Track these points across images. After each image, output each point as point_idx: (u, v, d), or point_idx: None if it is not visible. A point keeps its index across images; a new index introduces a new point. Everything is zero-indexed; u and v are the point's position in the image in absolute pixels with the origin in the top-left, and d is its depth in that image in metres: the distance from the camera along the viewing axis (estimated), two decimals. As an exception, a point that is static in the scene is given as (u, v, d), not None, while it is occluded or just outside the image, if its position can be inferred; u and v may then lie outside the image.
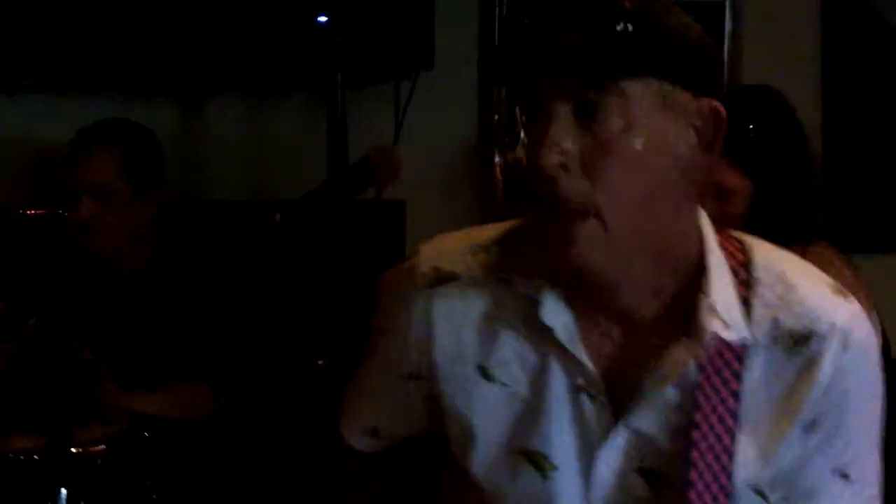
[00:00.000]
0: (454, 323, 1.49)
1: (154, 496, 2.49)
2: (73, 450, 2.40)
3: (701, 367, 1.40)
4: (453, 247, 1.54)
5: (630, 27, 1.32)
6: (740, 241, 1.48)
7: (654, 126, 1.35)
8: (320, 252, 2.91)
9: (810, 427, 1.42)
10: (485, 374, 1.49)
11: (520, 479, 1.48)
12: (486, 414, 1.49)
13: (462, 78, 3.36)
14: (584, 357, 1.43)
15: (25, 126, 3.32)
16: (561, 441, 1.46)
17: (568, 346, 1.43)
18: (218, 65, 3.06)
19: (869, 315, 2.46)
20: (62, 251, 2.91)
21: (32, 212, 3.24)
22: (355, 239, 3.01)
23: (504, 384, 1.48)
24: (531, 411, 1.47)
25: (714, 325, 1.39)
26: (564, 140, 1.35)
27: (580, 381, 1.44)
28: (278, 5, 2.92)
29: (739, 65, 3.37)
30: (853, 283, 2.38)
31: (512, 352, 1.47)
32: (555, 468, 1.46)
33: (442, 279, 1.51)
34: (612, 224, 1.36)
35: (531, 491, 1.47)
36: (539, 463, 1.46)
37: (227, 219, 3.24)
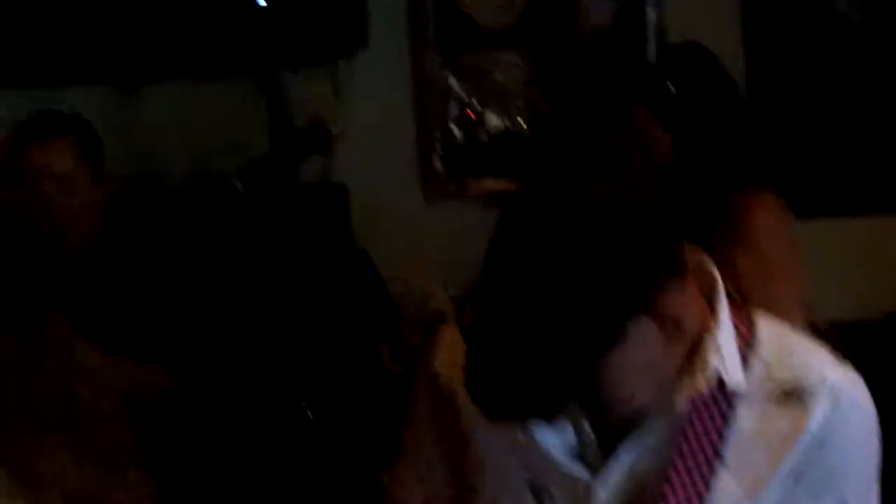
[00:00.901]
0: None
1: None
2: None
3: (693, 407, 1.44)
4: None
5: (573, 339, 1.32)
6: (748, 313, 1.51)
7: (635, 356, 1.37)
8: (268, 233, 2.90)
9: (798, 477, 1.44)
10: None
11: None
12: (491, 452, 1.54)
13: (397, 55, 3.37)
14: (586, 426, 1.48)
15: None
16: (558, 479, 1.49)
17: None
18: (156, 49, 3.06)
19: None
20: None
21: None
22: (300, 222, 3.01)
23: (504, 433, 1.51)
24: (532, 452, 1.50)
25: (717, 362, 1.42)
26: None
27: (577, 439, 1.49)
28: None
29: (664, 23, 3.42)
30: (791, 230, 2.48)
31: None
32: (553, 501, 1.51)
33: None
34: (625, 414, 1.43)
35: None
36: (541, 495, 1.51)
37: (172, 202, 3.22)
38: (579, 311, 1.31)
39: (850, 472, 1.46)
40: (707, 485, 1.43)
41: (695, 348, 1.42)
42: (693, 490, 1.43)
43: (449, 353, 1.58)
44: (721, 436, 1.43)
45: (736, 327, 1.46)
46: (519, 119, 3.43)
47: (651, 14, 3.40)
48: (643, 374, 1.39)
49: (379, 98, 3.31)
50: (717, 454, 1.43)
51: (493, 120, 3.42)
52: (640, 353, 1.37)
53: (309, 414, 2.87)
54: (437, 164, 3.43)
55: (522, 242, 1.35)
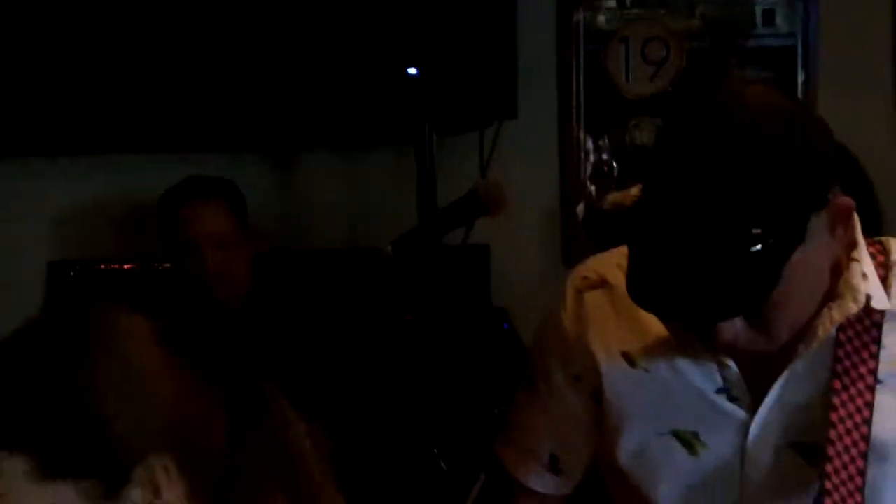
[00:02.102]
0: (603, 317, 1.58)
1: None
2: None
3: (841, 332, 1.45)
4: (604, 261, 1.62)
5: (764, 237, 1.30)
6: (879, 241, 1.53)
7: (811, 260, 1.37)
8: (413, 293, 2.97)
9: None
10: (630, 360, 1.56)
11: (671, 460, 1.53)
12: (633, 398, 1.55)
13: (544, 126, 3.44)
14: (729, 361, 1.49)
15: (116, 185, 3.38)
16: (710, 419, 1.51)
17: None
18: (309, 119, 3.11)
19: None
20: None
21: (126, 266, 3.31)
22: (442, 282, 3.08)
23: (646, 370, 1.54)
24: (677, 394, 1.52)
25: (866, 288, 1.43)
26: (731, 335, 1.39)
27: (723, 377, 1.50)
28: (369, 57, 2.97)
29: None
30: None
31: (655, 341, 1.53)
32: (705, 447, 1.51)
33: (590, 286, 1.61)
34: (781, 335, 1.42)
35: (684, 471, 1.52)
36: (689, 442, 1.52)
37: (321, 267, 3.30)
38: (769, 206, 1.30)
39: None
40: (870, 406, 1.44)
41: (838, 274, 1.44)
42: (858, 413, 1.44)
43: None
44: (874, 356, 1.45)
45: (871, 254, 1.49)
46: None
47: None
48: (812, 286, 1.40)
49: (525, 166, 3.37)
50: (874, 374, 1.45)
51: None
52: (815, 258, 1.37)
53: (442, 465, 2.92)
54: (577, 225, 3.48)
55: (699, 141, 1.33)
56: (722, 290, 1.30)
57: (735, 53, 3.41)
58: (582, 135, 3.45)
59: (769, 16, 3.41)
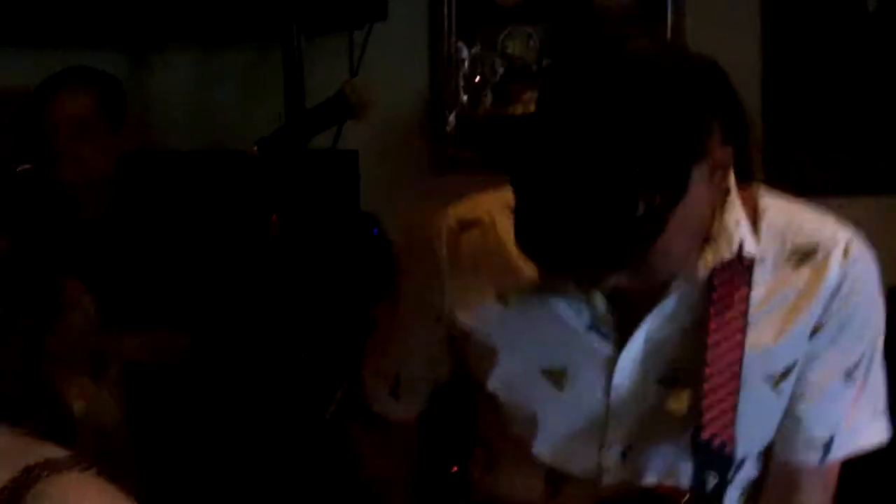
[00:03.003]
0: (476, 258, 1.60)
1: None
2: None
3: (715, 274, 1.50)
4: (479, 202, 1.64)
5: (649, 193, 1.32)
6: (749, 187, 1.58)
7: (692, 209, 1.41)
8: (280, 196, 2.94)
9: (817, 328, 1.54)
10: (503, 300, 1.58)
11: (540, 397, 1.57)
12: (505, 337, 1.58)
13: (414, 29, 3.40)
14: (599, 299, 1.52)
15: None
16: (578, 356, 1.55)
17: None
18: (169, 15, 3.02)
19: None
20: (24, 189, 2.91)
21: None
22: (310, 186, 3.05)
23: (520, 310, 1.57)
24: (548, 333, 1.56)
25: (739, 234, 1.49)
26: (613, 280, 1.43)
27: (591, 314, 1.54)
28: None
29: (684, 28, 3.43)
30: None
31: (527, 281, 1.56)
32: (573, 384, 1.56)
33: (465, 226, 1.62)
34: (660, 276, 1.47)
35: (552, 407, 1.57)
36: (557, 379, 1.56)
37: (183, 168, 3.23)
38: (652, 163, 1.32)
39: (864, 317, 1.56)
40: (741, 344, 1.51)
41: (713, 219, 1.49)
42: (730, 350, 1.51)
43: None
44: (745, 298, 1.51)
45: (742, 201, 1.54)
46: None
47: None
48: (692, 231, 1.46)
49: (395, 70, 3.33)
50: (744, 315, 1.51)
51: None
52: (695, 206, 1.41)
53: (307, 369, 2.92)
54: (447, 134, 3.47)
55: (581, 99, 1.34)
56: (608, 244, 1.33)
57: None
58: (453, 41, 3.41)
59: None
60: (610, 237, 1.32)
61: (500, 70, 3.45)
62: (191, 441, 2.75)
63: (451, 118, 3.45)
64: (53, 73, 2.88)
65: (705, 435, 1.50)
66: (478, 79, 3.44)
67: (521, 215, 1.37)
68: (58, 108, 2.80)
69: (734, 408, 1.51)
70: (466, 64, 3.44)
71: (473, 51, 3.42)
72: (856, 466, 1.66)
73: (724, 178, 1.47)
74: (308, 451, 2.68)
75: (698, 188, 1.39)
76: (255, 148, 2.33)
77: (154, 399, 2.70)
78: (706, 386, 1.50)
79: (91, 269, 2.79)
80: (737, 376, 1.50)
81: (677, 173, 1.35)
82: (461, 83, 3.44)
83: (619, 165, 1.30)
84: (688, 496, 1.52)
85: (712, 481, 1.51)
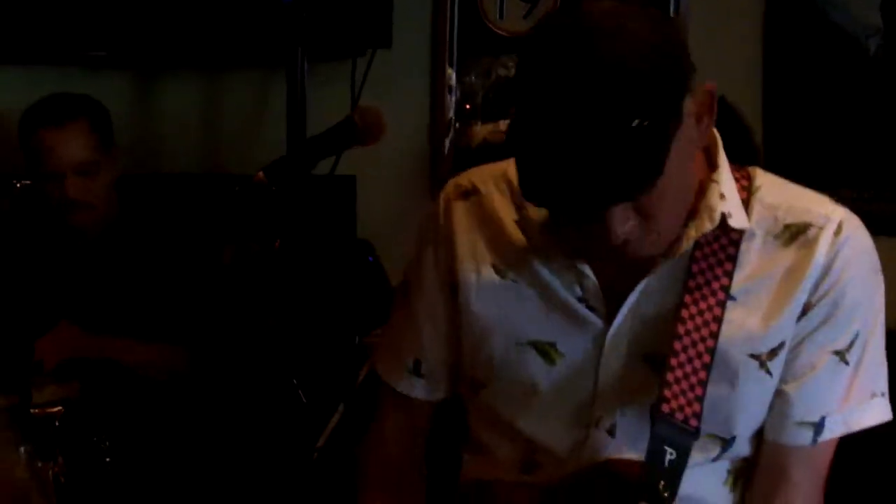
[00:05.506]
0: (470, 227, 1.61)
1: (107, 458, 2.52)
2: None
3: (698, 249, 1.51)
4: (481, 171, 1.66)
5: (645, 114, 1.31)
6: (746, 168, 1.58)
7: (684, 149, 1.41)
8: (277, 222, 2.94)
9: (808, 307, 1.52)
10: (498, 271, 1.59)
11: (528, 370, 1.57)
12: (498, 308, 1.59)
13: (416, 57, 3.41)
14: (588, 271, 1.53)
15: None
16: (568, 328, 1.55)
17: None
18: (175, 38, 3.03)
19: None
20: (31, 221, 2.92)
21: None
22: (308, 211, 3.04)
23: (514, 281, 1.58)
24: (538, 305, 1.56)
25: (723, 207, 1.49)
26: (625, 227, 1.41)
27: (582, 287, 1.54)
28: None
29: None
30: None
31: (519, 252, 1.57)
32: (562, 356, 1.56)
33: (461, 194, 1.64)
34: (664, 233, 1.46)
35: (540, 381, 1.56)
36: (546, 352, 1.56)
37: (183, 191, 3.24)
38: (646, 87, 1.31)
39: (856, 297, 1.53)
40: (718, 320, 1.50)
41: (699, 195, 1.50)
42: (705, 326, 1.50)
43: None
44: (728, 273, 1.51)
45: (735, 178, 1.54)
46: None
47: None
48: (685, 188, 1.46)
49: (395, 98, 3.33)
50: (725, 291, 1.50)
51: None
52: (687, 147, 1.40)
53: (301, 395, 2.92)
54: (446, 161, 3.46)
55: (566, 41, 1.34)
56: (612, 170, 1.31)
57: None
58: (450, 71, 3.42)
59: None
60: (612, 162, 1.31)
61: (490, 96, 3.46)
62: (178, 461, 2.73)
63: (447, 144, 3.46)
64: (37, 101, 2.83)
65: (665, 408, 1.47)
66: (468, 107, 3.45)
67: (521, 165, 1.37)
68: (63, 156, 2.75)
69: (702, 384, 1.48)
70: (458, 92, 3.44)
71: (466, 79, 3.43)
72: (848, 460, 1.64)
73: (710, 125, 1.45)
74: (299, 477, 2.67)
75: (689, 123, 1.39)
76: (261, 173, 2.33)
77: (144, 416, 2.71)
78: (673, 359, 1.48)
79: (90, 287, 2.81)
80: (709, 352, 1.48)
81: (670, 97, 1.34)
82: (453, 110, 3.45)
83: (613, 94, 1.30)
84: (642, 471, 1.49)
85: (669, 457, 1.48)
